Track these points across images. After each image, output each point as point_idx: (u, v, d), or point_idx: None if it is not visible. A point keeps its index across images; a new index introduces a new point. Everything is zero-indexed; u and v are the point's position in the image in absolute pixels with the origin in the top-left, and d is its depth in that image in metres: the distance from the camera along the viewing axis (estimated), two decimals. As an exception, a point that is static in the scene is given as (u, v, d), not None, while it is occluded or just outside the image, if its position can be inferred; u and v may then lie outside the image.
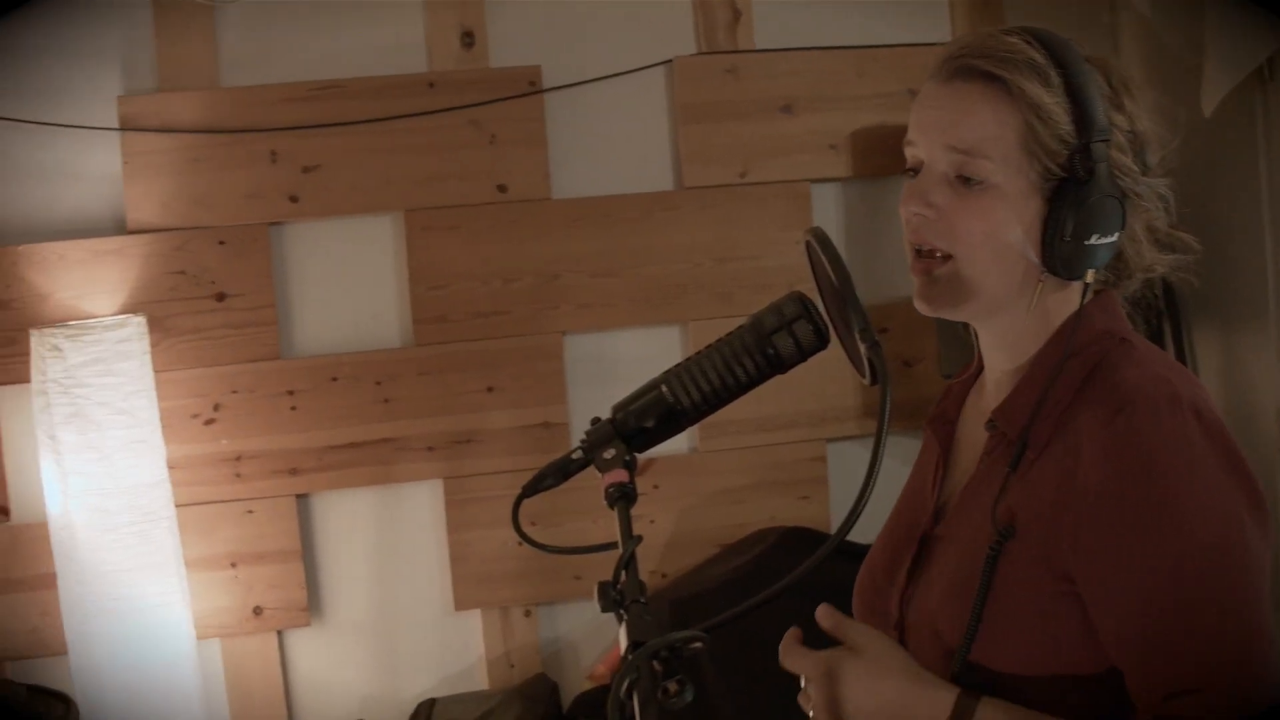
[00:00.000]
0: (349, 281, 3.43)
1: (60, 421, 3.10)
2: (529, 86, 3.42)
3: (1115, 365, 1.58)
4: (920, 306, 1.67)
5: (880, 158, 3.51)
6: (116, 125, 3.34)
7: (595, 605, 1.37)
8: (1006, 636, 1.54)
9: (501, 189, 3.40)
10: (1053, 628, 1.54)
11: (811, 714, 1.60)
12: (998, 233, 1.59)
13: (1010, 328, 1.67)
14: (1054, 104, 1.56)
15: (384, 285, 3.43)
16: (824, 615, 1.60)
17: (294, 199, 3.36)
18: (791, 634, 1.63)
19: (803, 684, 1.62)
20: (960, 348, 1.90)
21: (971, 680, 1.55)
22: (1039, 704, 1.52)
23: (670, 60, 3.48)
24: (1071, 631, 1.53)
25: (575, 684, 3.49)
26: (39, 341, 3.13)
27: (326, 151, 3.37)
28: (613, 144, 3.49)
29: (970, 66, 1.60)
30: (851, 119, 3.51)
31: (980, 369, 1.79)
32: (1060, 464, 1.55)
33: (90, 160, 3.35)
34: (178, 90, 3.35)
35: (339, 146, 3.37)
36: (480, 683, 3.47)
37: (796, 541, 3.45)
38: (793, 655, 1.62)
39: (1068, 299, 1.63)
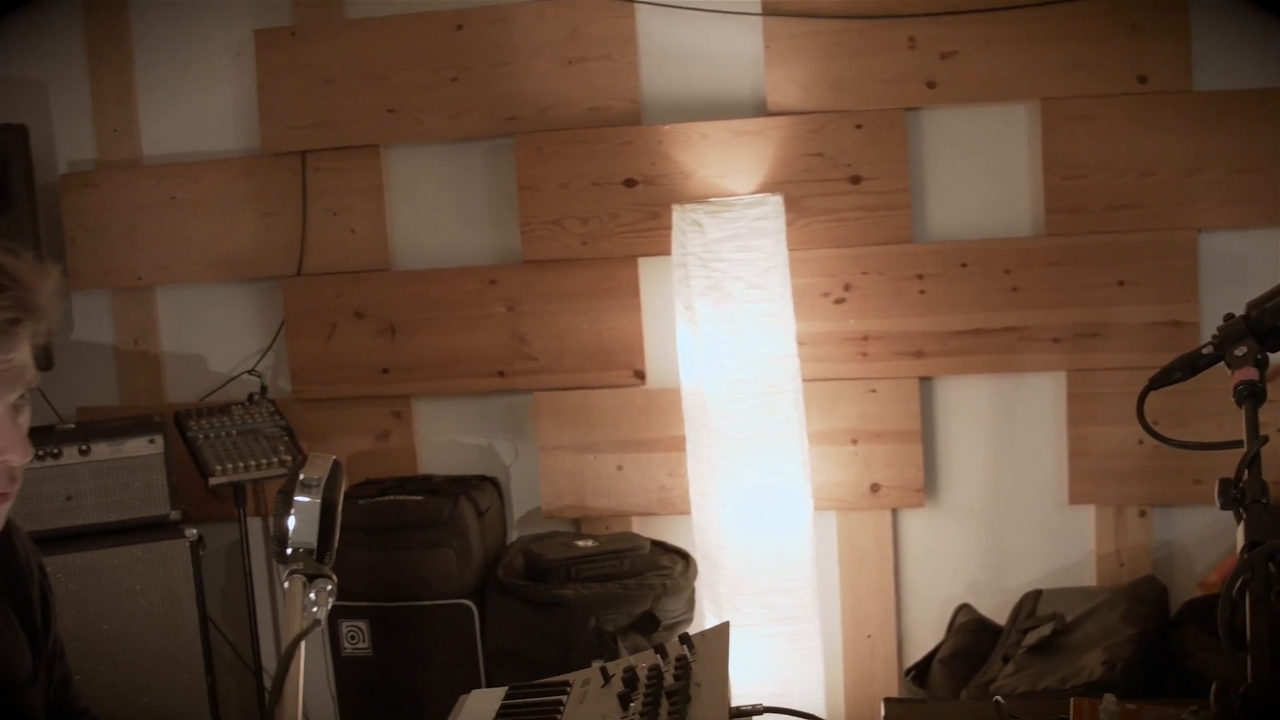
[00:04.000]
0: (982, 168, 3.91)
1: (697, 293, 3.71)
2: (1175, -27, 3.85)
3: None
4: None
5: None
6: (759, 10, 3.93)
7: (1214, 510, 1.53)
8: None
9: (1141, 79, 3.78)
10: None
11: None
12: None
13: None
14: None
15: (1017, 174, 3.89)
16: None
17: (931, 85, 3.86)
18: None
19: None
20: None
21: None
22: None
23: (1328, -52, 3.84)
24: None
25: (1185, 589, 3.86)
26: (681, 216, 3.74)
27: (964, 38, 3.84)
28: (1263, 36, 3.78)
29: None
30: None
31: None
32: None
33: (733, 44, 3.96)
34: (821, -26, 3.91)
35: (977, 34, 3.83)
36: (1088, 578, 3.92)
37: None
38: None
39: None
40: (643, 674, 1.98)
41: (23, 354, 1.76)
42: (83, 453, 3.94)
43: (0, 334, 1.70)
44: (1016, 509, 4.00)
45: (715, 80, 4.02)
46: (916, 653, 3.96)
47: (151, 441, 3.99)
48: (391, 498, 3.96)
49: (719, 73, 4.02)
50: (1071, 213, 3.87)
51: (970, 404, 4.00)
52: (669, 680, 1.95)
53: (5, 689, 1.92)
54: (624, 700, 1.91)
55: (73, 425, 4.07)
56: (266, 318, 4.37)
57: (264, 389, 4.28)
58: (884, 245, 3.93)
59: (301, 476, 1.84)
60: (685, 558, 3.91)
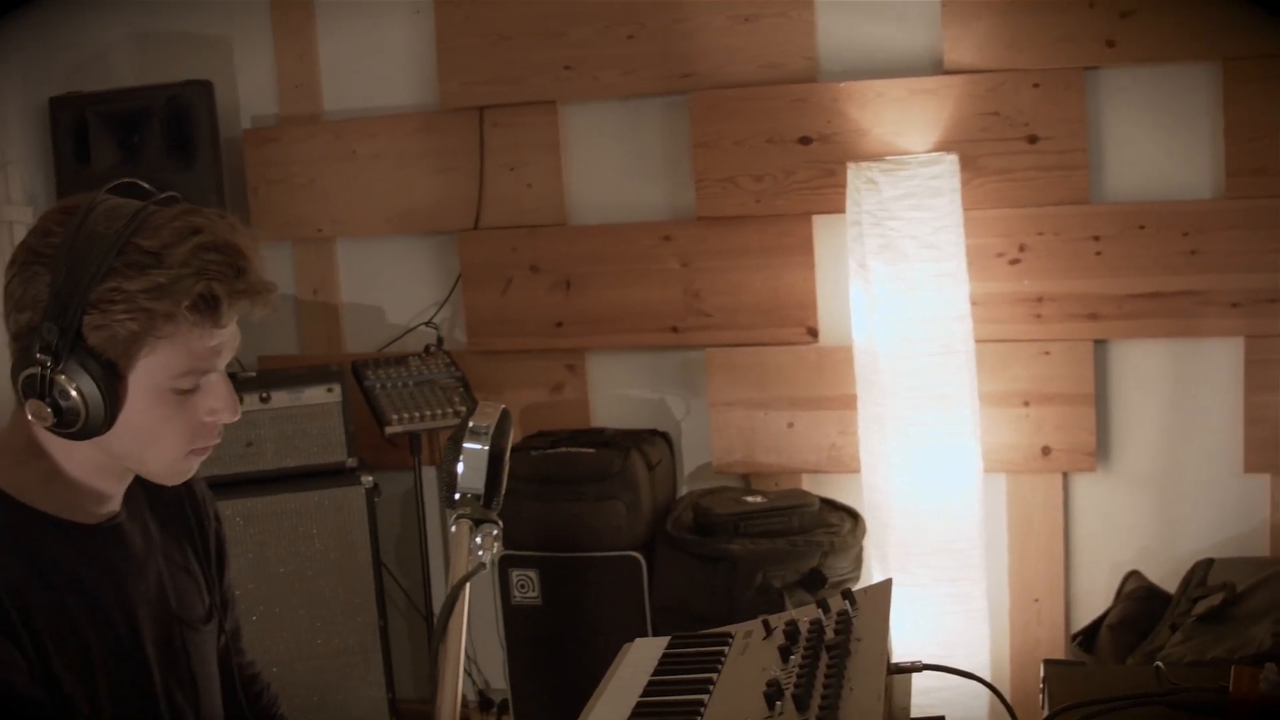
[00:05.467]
0: (1161, 129, 3.98)
1: (871, 252, 3.83)
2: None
3: None
4: None
5: None
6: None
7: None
8: None
9: (1328, 39, 3.82)
10: None
11: None
12: None
13: None
14: None
15: (1197, 135, 3.95)
16: None
17: (1110, 43, 3.92)
18: None
19: None
20: None
21: None
22: None
23: None
24: None
25: (1363, 562, 3.88)
26: (856, 174, 3.87)
27: (1148, -5, 3.90)
28: None
29: None
30: None
31: None
32: None
33: (910, 1, 4.08)
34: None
35: (1162, -9, 3.90)
36: (1261, 549, 3.97)
37: None
38: None
39: None
40: (804, 627, 2.05)
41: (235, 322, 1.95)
42: (263, 400, 4.19)
43: (238, 314, 1.90)
44: (1190, 476, 4.07)
45: (891, 38, 4.13)
46: (1084, 618, 4.04)
47: (330, 390, 4.25)
48: (564, 450, 4.15)
49: (895, 30, 4.13)
50: (1253, 175, 3.91)
51: (1145, 368, 4.08)
52: (830, 634, 2.01)
53: (183, 624, 2.10)
54: (784, 653, 1.98)
55: (254, 373, 4.32)
56: (443, 271, 4.62)
57: (440, 341, 4.52)
58: (1060, 206, 4.02)
59: (471, 424, 1.94)
60: (854, 516, 4.04)
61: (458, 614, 1.75)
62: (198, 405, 1.92)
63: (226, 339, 1.91)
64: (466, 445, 1.92)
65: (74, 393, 1.83)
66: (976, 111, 4.06)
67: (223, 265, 1.84)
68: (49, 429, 1.88)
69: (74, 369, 1.83)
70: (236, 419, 1.97)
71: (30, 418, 1.87)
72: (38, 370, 1.84)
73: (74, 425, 1.86)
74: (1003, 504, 4.18)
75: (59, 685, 1.86)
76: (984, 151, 4.07)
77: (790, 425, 4.28)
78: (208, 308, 1.85)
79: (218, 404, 1.93)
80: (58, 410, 1.85)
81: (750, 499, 4.04)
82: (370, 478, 4.23)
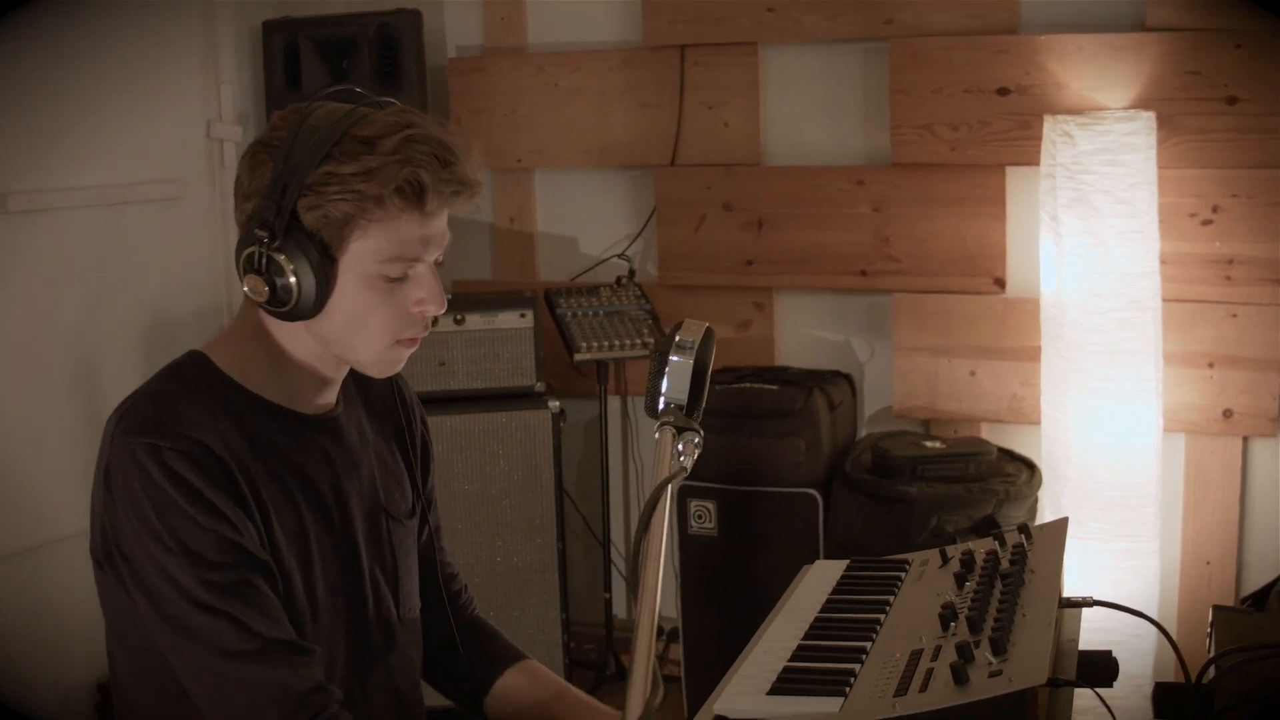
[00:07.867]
0: None
1: (1063, 205, 3.99)
2: None
3: None
4: None
5: None
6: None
7: None
8: None
9: None
10: None
11: None
12: None
13: None
14: None
15: None
16: None
17: None
18: None
19: None
20: None
21: None
22: None
23: None
24: None
25: None
26: (1052, 127, 4.01)
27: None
28: None
29: None
30: None
31: None
32: None
33: None
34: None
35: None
36: None
37: None
38: None
39: None
40: (980, 558, 2.21)
41: (445, 219, 2.13)
42: (457, 322, 4.47)
43: (445, 204, 2.08)
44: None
45: (1097, -7, 4.16)
46: (1255, 583, 3.91)
47: (522, 316, 4.53)
48: (748, 385, 4.37)
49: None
50: None
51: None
52: (1005, 565, 2.17)
53: (390, 516, 2.31)
54: (959, 580, 2.14)
55: (449, 296, 4.74)
56: (638, 205, 4.89)
57: (632, 273, 4.78)
58: (1256, 169, 4.11)
59: (677, 338, 2.07)
60: (1031, 467, 4.20)
61: (660, 512, 1.89)
62: (406, 295, 2.09)
63: (435, 232, 2.08)
64: (672, 358, 2.06)
65: (288, 269, 2.02)
66: (1176, 70, 4.17)
67: (429, 156, 2.01)
68: (264, 306, 2.07)
69: (290, 247, 2.02)
70: (442, 311, 2.14)
71: (246, 292, 2.07)
72: (256, 247, 2.04)
73: (287, 302, 2.05)
74: (1180, 464, 4.30)
75: (280, 555, 2.09)
76: (1181, 110, 4.17)
77: (973, 374, 4.48)
78: (414, 193, 2.01)
79: (424, 294, 2.10)
80: (273, 286, 2.04)
81: (929, 444, 4.22)
82: (557, 402, 4.49)
